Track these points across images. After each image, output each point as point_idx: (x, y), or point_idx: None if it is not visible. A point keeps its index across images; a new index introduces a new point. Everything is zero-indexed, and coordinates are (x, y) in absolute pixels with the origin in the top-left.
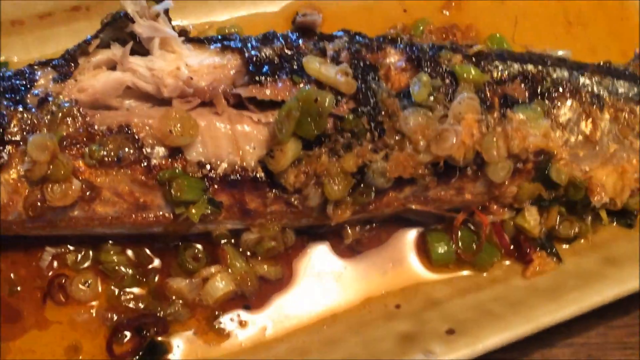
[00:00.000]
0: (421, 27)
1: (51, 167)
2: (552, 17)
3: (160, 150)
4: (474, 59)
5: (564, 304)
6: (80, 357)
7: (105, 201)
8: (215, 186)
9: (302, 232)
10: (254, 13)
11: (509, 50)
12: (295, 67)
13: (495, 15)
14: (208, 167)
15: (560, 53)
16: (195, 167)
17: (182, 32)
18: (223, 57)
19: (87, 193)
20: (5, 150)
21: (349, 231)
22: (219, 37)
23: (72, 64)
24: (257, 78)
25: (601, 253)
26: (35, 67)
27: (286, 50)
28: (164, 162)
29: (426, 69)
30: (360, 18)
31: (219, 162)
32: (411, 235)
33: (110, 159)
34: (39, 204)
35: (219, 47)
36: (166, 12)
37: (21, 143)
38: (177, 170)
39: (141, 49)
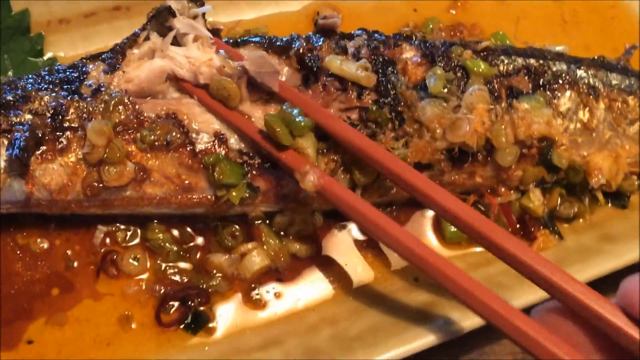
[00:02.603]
0: (431, 26)
1: (107, 150)
2: (549, 17)
3: (205, 137)
4: (482, 54)
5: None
6: (133, 325)
7: (154, 182)
8: (254, 172)
9: (329, 214)
10: (278, 12)
11: (513, 46)
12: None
13: (497, 15)
14: (248, 154)
15: (558, 48)
16: (236, 153)
17: (214, 31)
18: None
19: (139, 174)
20: (65, 136)
21: None
22: (246, 39)
23: (120, 57)
24: None
25: (598, 231)
26: (87, 60)
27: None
28: (208, 147)
29: (440, 64)
30: (375, 16)
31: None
32: (427, 215)
33: (159, 144)
34: (95, 184)
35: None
36: (202, 14)
37: (79, 129)
38: (220, 156)
39: (175, 43)
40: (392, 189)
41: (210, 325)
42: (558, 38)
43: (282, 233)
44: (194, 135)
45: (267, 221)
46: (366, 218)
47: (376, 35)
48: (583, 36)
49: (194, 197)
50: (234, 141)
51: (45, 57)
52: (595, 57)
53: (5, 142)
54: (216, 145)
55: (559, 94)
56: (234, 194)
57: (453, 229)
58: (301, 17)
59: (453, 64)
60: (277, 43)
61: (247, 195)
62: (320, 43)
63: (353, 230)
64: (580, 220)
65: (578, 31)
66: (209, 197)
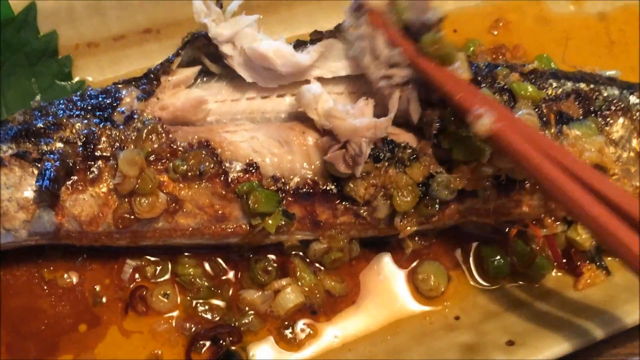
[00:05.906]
0: (472, 47)
1: (139, 181)
2: (595, 38)
3: (238, 165)
4: (529, 77)
5: (617, 317)
6: None
7: (187, 213)
8: (289, 198)
9: (365, 244)
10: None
11: (560, 70)
12: None
13: (540, 36)
14: (282, 180)
15: (609, 73)
16: (270, 180)
17: None
18: None
19: (172, 205)
20: (96, 165)
21: (409, 242)
22: None
23: (155, 82)
24: None
25: None
26: (120, 85)
27: None
28: (241, 175)
29: (485, 86)
30: None
31: (291, 176)
32: (467, 247)
33: (192, 173)
34: (127, 216)
35: None
36: None
37: (110, 158)
38: (254, 184)
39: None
40: (434, 216)
41: None
42: (605, 60)
43: (316, 264)
44: (227, 164)
45: (301, 253)
46: (548, 180)
47: None
48: (631, 58)
49: (228, 227)
50: (267, 168)
51: (73, 81)
52: None
53: (35, 172)
54: (249, 173)
55: (611, 121)
56: (269, 222)
57: (496, 262)
58: None
59: (498, 87)
60: None
61: (283, 222)
62: None
63: (389, 261)
64: None
65: (625, 53)
66: (244, 226)
